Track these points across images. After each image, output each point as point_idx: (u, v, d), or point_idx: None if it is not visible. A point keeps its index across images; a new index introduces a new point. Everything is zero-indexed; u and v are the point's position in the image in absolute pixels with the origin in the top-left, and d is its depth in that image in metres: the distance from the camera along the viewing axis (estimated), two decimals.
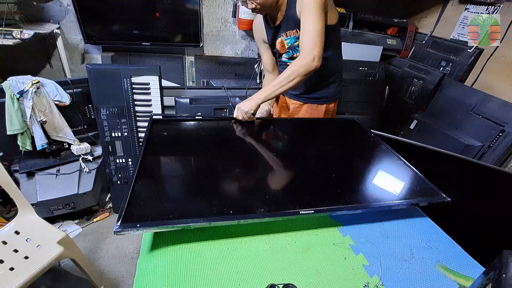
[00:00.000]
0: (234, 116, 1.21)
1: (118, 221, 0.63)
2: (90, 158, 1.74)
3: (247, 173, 0.94)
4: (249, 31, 2.33)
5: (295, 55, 1.28)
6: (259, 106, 1.18)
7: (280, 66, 1.43)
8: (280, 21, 1.22)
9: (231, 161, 0.99)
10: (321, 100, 1.38)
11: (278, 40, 1.28)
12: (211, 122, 1.27)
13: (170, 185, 0.85)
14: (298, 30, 1.17)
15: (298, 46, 1.24)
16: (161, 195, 0.76)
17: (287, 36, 1.24)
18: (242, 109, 1.17)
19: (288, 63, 1.33)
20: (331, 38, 1.16)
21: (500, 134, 1.82)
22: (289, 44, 1.26)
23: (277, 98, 1.55)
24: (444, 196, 0.85)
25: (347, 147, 1.19)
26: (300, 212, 0.73)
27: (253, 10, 1.17)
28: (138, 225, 0.63)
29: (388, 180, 0.94)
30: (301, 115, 1.43)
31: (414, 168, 0.98)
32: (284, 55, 1.34)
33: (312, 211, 0.73)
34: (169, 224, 0.65)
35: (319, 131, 1.32)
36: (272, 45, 1.35)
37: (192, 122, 1.23)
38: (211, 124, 1.25)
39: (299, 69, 1.10)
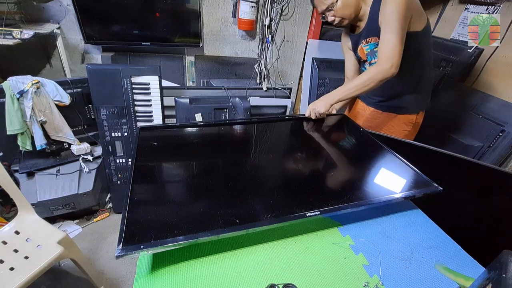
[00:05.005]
0: (306, 115, 1.29)
1: (118, 244, 0.60)
2: (90, 158, 1.74)
3: (246, 178, 0.91)
4: (249, 31, 2.33)
5: (373, 61, 1.31)
6: (332, 106, 1.26)
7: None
8: (361, 29, 1.27)
9: (227, 168, 0.97)
10: (399, 110, 1.38)
11: (359, 47, 1.32)
12: (200, 128, 1.23)
13: (168, 198, 0.81)
14: (377, 38, 1.20)
15: (377, 52, 1.26)
16: (161, 210, 0.72)
17: (367, 43, 1.28)
18: (318, 110, 1.24)
19: None
20: (412, 45, 1.16)
21: (500, 134, 1.82)
22: (368, 50, 1.29)
23: (352, 103, 1.61)
24: (436, 185, 0.86)
25: (340, 144, 1.19)
26: (307, 215, 0.71)
27: (334, 23, 1.24)
28: (141, 246, 0.59)
29: (383, 175, 0.94)
30: (377, 123, 1.44)
31: (406, 161, 0.99)
32: (367, 65, 1.37)
33: (318, 213, 0.72)
34: (175, 241, 0.61)
35: (309, 128, 1.31)
36: (355, 52, 1.39)
37: (181, 129, 1.20)
38: (202, 131, 1.21)
39: (376, 75, 1.13)
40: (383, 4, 1.12)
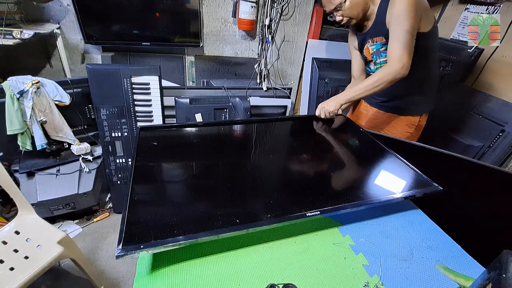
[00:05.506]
0: (317, 114, 1.30)
1: (118, 244, 0.60)
2: (90, 158, 1.74)
3: (246, 178, 0.91)
4: (249, 31, 2.33)
5: (378, 61, 1.31)
6: (342, 106, 1.26)
7: (368, 75, 1.46)
8: (368, 29, 1.27)
9: (228, 167, 0.97)
10: (401, 111, 1.37)
11: (365, 47, 1.32)
12: (200, 128, 1.23)
13: (168, 198, 0.80)
14: (384, 38, 1.19)
15: (382, 52, 1.26)
16: (161, 210, 0.72)
17: (373, 42, 1.28)
18: (327, 109, 1.25)
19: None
20: (419, 46, 1.15)
21: (500, 134, 1.82)
22: (374, 50, 1.29)
23: (355, 103, 1.60)
24: (436, 185, 0.86)
25: (340, 144, 1.20)
26: (307, 215, 0.71)
27: (342, 22, 1.25)
28: (141, 246, 0.59)
29: (383, 175, 0.94)
30: (379, 124, 1.44)
31: (406, 161, 0.99)
32: (372, 65, 1.36)
33: (318, 213, 0.72)
34: (175, 241, 0.61)
35: (310, 128, 1.32)
36: (361, 51, 1.39)
37: (181, 129, 1.20)
38: (202, 131, 1.21)
39: (387, 76, 1.12)
40: (391, 4, 1.11)
